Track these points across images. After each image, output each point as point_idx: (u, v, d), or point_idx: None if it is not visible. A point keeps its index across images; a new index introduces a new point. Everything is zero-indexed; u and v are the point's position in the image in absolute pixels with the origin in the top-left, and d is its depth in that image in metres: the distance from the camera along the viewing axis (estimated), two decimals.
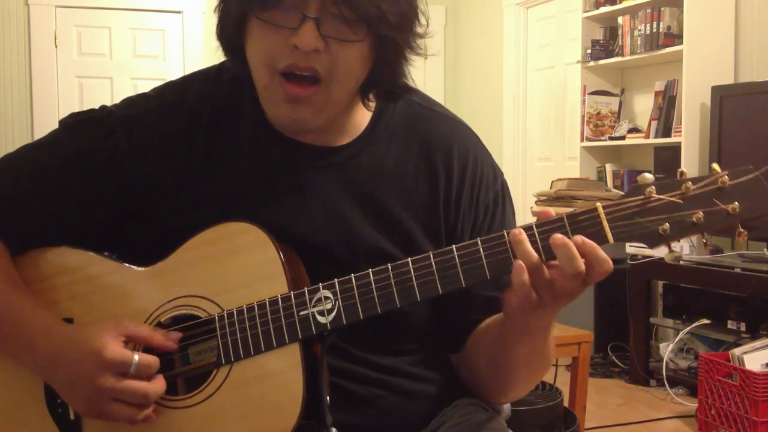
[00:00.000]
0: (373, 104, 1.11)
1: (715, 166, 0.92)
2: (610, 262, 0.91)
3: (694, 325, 3.56)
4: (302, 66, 0.98)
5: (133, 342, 1.01)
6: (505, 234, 0.95)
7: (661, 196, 0.92)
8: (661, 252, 0.96)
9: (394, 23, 0.98)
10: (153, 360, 1.00)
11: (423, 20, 1.04)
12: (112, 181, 1.08)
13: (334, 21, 0.97)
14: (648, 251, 3.72)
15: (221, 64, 1.13)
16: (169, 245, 1.06)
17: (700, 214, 0.91)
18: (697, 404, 3.13)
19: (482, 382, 1.14)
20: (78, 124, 1.11)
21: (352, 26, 0.97)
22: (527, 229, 0.94)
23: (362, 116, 1.12)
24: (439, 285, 0.96)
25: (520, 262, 0.92)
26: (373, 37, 1.00)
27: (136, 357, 0.98)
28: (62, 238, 1.10)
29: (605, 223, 0.93)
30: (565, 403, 2.64)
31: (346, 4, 0.95)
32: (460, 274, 0.96)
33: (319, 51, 0.97)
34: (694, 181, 0.92)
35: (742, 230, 0.92)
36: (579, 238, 0.92)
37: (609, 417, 3.34)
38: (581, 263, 0.91)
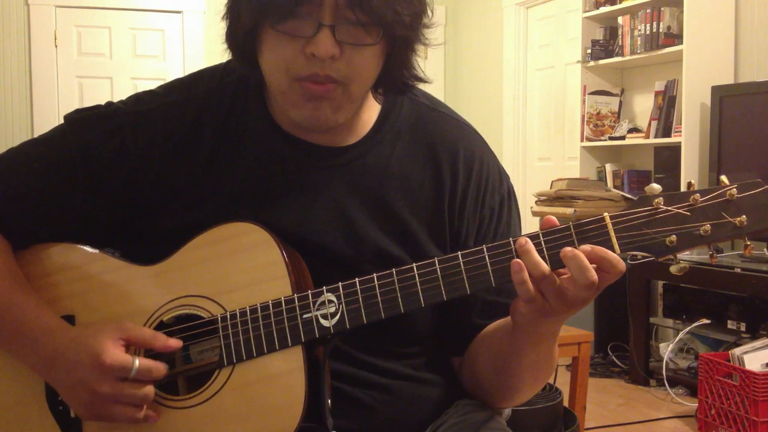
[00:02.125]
0: (382, 98, 1.11)
1: (723, 178, 0.92)
2: (622, 262, 0.91)
3: (694, 325, 3.56)
4: (321, 75, 0.98)
5: (134, 346, 1.00)
6: (512, 242, 0.95)
7: (669, 208, 0.92)
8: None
9: (408, 23, 0.98)
10: (153, 365, 0.99)
11: (429, 12, 1.04)
12: (117, 178, 1.08)
13: (349, 26, 0.96)
14: None
15: (227, 63, 1.12)
16: (172, 244, 1.06)
17: (708, 226, 0.91)
18: (697, 404, 3.13)
19: (486, 388, 1.14)
20: (83, 120, 1.11)
21: (368, 30, 0.97)
22: (533, 237, 0.94)
23: (369, 115, 1.12)
24: (443, 291, 0.96)
25: (518, 260, 0.92)
26: (388, 37, 1.00)
27: (137, 362, 0.98)
28: (65, 235, 1.10)
29: (612, 234, 0.93)
30: (565, 403, 2.64)
31: (361, 9, 0.95)
32: (465, 281, 0.96)
33: (335, 57, 0.97)
34: (702, 193, 0.92)
35: (748, 243, 0.92)
36: (587, 246, 0.91)
37: (609, 417, 3.35)
38: (593, 273, 0.90)
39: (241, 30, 1.01)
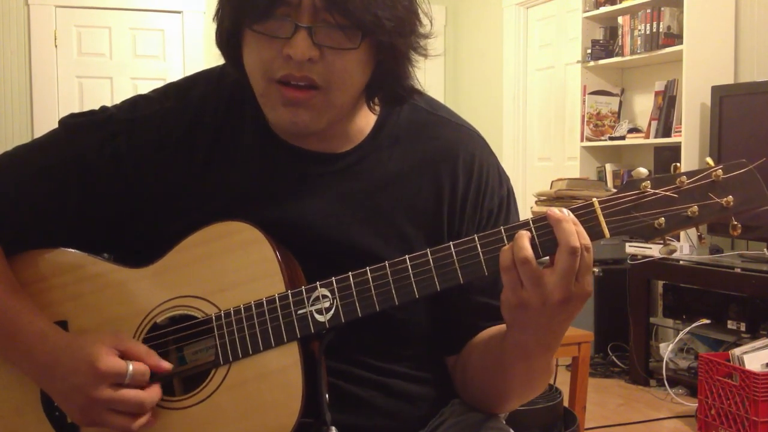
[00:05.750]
0: (378, 108, 1.10)
1: (709, 159, 0.93)
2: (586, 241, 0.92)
3: (694, 325, 3.56)
4: (298, 76, 0.97)
5: (127, 357, 1.00)
6: (502, 230, 0.95)
7: (656, 191, 0.93)
8: (656, 246, 0.97)
9: (390, 28, 0.97)
10: (146, 367, 0.99)
11: (425, 21, 1.03)
12: (112, 185, 1.07)
13: (328, 29, 0.96)
14: (648, 251, 3.72)
15: (224, 66, 1.11)
16: (168, 248, 1.05)
17: (695, 207, 0.92)
18: (697, 404, 3.13)
19: (476, 393, 1.12)
20: (78, 126, 1.10)
21: (347, 33, 0.96)
22: (524, 225, 0.95)
23: (366, 122, 1.11)
24: (437, 281, 0.96)
25: (506, 245, 0.93)
26: (371, 42, 0.99)
27: (131, 367, 0.98)
28: (59, 240, 1.09)
29: (601, 218, 0.93)
30: (565, 403, 2.64)
31: (339, 11, 0.94)
32: (458, 270, 0.95)
33: (314, 60, 0.96)
34: (689, 175, 0.92)
35: (736, 223, 0.92)
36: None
37: (609, 417, 3.34)
38: (576, 239, 0.90)
39: (225, 31, 1.02)
